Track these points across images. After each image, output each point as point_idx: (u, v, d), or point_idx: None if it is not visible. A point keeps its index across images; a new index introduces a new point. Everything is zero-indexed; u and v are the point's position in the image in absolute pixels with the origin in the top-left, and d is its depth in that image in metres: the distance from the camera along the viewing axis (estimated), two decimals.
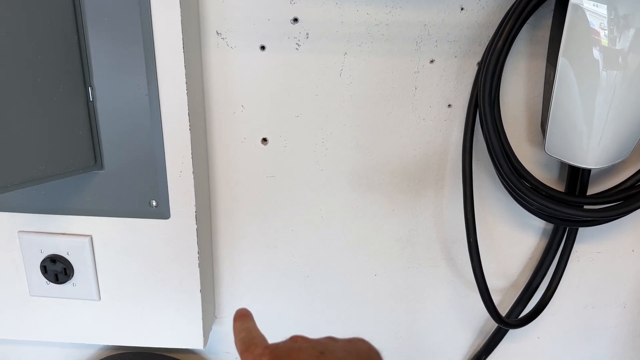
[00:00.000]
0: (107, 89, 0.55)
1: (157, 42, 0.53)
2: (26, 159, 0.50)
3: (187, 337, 0.67)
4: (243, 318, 0.40)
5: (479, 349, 0.72)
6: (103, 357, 0.75)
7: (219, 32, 0.58)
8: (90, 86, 0.55)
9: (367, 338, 0.37)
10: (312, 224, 0.66)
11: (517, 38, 0.55)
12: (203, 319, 0.65)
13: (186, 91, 0.54)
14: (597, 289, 0.69)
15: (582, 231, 0.65)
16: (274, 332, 0.75)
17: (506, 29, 0.53)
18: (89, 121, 0.56)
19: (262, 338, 0.36)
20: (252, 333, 0.37)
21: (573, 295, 0.69)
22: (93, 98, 0.56)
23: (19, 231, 0.62)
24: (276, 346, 0.35)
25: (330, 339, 0.36)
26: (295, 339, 0.35)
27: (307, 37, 0.57)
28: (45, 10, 0.49)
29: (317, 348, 0.34)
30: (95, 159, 0.58)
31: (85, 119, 0.56)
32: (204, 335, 0.67)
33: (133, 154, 0.57)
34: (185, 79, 0.54)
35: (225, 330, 0.74)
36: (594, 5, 0.50)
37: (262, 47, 0.58)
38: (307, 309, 0.72)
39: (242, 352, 0.36)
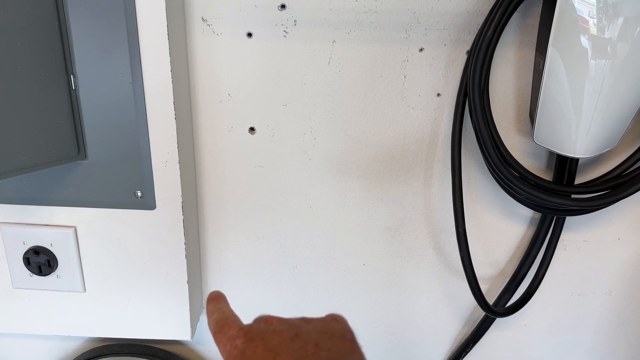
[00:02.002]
0: (90, 77, 0.54)
1: (140, 28, 0.52)
2: (6, 149, 0.49)
3: (174, 328, 0.66)
4: (216, 300, 0.39)
5: (466, 337, 0.72)
6: (89, 349, 0.75)
7: (204, 18, 0.57)
8: (73, 74, 0.54)
9: (357, 325, 0.36)
10: (300, 214, 0.66)
11: (506, 26, 0.54)
12: (190, 310, 0.65)
13: (171, 79, 0.53)
14: (583, 277, 0.70)
15: (569, 220, 0.65)
16: None
17: (496, 17, 0.52)
18: (72, 110, 0.55)
19: (236, 319, 0.36)
20: (226, 314, 0.37)
21: (559, 284, 0.70)
22: (75, 86, 0.54)
23: (1, 222, 0.61)
24: (250, 328, 0.34)
25: (304, 320, 0.35)
26: (269, 321, 0.35)
27: (295, 24, 0.56)
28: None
29: (291, 330, 0.33)
30: (79, 148, 0.56)
31: (67, 108, 0.55)
32: (192, 326, 0.66)
33: (117, 144, 0.56)
34: (170, 67, 0.53)
35: None
36: None
37: (249, 34, 0.57)
38: (296, 299, 0.71)
39: (215, 333, 0.35)
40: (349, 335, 0.34)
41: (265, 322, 0.34)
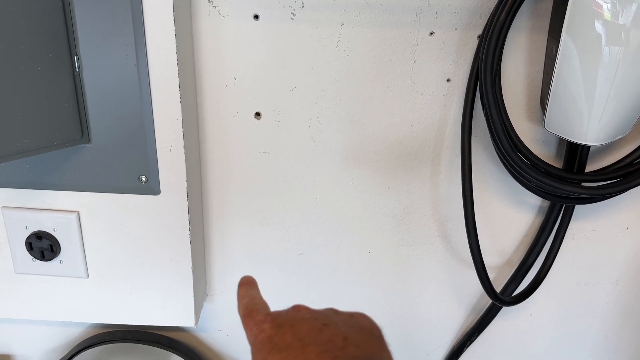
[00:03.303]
0: (94, 59, 0.53)
1: (146, 9, 0.50)
2: (7, 132, 0.48)
3: (178, 315, 0.65)
4: (247, 285, 0.40)
5: (472, 325, 0.72)
6: (91, 335, 0.74)
7: (210, 0, 0.55)
8: (76, 55, 0.53)
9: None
10: (305, 201, 0.65)
11: (518, 11, 0.53)
12: (194, 296, 0.64)
13: (177, 62, 0.52)
14: (590, 266, 0.69)
15: (578, 209, 0.65)
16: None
17: (509, 1, 0.51)
18: (75, 92, 0.54)
19: (265, 305, 0.36)
20: (256, 300, 0.37)
21: (567, 273, 0.69)
22: (79, 68, 0.53)
23: (3, 207, 0.60)
24: (278, 314, 0.34)
25: (333, 311, 0.35)
26: (297, 309, 0.35)
27: (303, 7, 0.55)
28: None
29: (319, 319, 0.33)
30: (82, 132, 0.55)
31: (71, 90, 0.54)
32: (195, 313, 0.66)
33: (121, 127, 0.55)
34: (175, 49, 0.52)
35: (216, 307, 0.73)
36: None
37: (256, 17, 0.56)
38: (301, 287, 0.71)
39: (244, 317, 0.35)
40: (377, 332, 0.34)
41: (294, 310, 0.34)
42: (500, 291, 0.68)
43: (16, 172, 0.58)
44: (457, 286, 0.70)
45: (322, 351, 0.30)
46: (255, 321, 0.34)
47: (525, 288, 0.66)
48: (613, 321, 0.73)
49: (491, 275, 0.69)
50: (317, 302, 0.71)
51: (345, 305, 0.71)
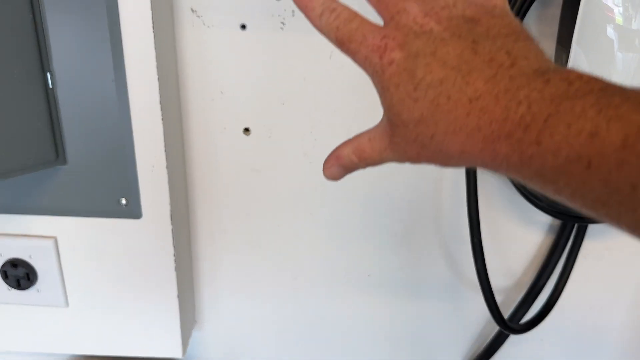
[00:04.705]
0: (69, 74, 0.49)
1: (123, 21, 0.47)
2: None
3: (164, 345, 0.62)
4: None
5: (479, 352, 0.68)
6: None
7: (194, 9, 0.52)
8: (49, 71, 0.49)
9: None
10: (299, 221, 0.61)
11: (525, 17, 0.50)
12: (181, 325, 0.60)
13: (157, 76, 0.49)
14: (605, 288, 0.65)
15: (591, 227, 0.61)
16: (261, 337, 0.70)
17: (515, 8, 0.49)
18: (49, 111, 0.50)
19: (368, 21, 0.29)
20: (349, 15, 0.29)
21: (579, 295, 0.65)
22: (53, 84, 0.50)
23: None
24: (405, 38, 0.27)
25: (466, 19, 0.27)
26: (426, 25, 0.27)
27: (293, 15, 0.52)
28: None
29: (466, 38, 0.26)
30: (57, 153, 0.52)
31: (44, 108, 0.50)
32: (183, 343, 0.62)
33: (99, 147, 0.52)
34: (155, 62, 0.48)
35: (206, 335, 0.69)
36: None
37: (243, 26, 0.52)
38: (297, 311, 0.67)
39: (341, 42, 0.29)
40: (529, 32, 0.28)
41: (421, 29, 0.27)
42: (510, 316, 0.64)
43: None
44: (464, 310, 0.66)
45: (489, 77, 0.24)
46: (369, 47, 0.27)
47: (536, 313, 0.62)
48: (629, 346, 0.69)
49: (500, 298, 0.65)
50: (313, 329, 0.67)
51: (343, 331, 0.68)
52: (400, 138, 0.28)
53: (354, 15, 0.29)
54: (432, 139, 0.26)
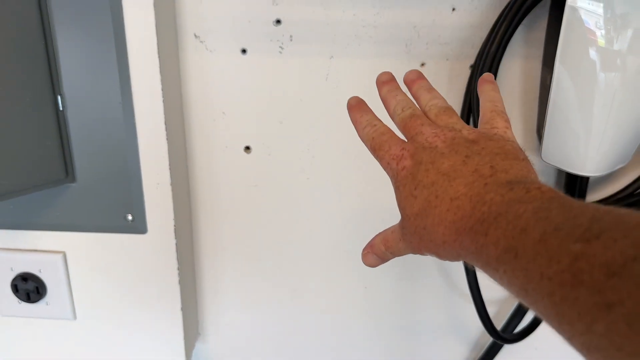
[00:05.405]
0: (78, 97, 0.52)
1: (130, 45, 0.50)
2: None
3: (168, 357, 0.63)
4: (360, 109, 0.39)
5: None
6: None
7: (197, 34, 0.54)
8: (60, 94, 0.52)
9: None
10: (298, 235, 0.63)
11: (511, 39, 0.52)
12: (185, 338, 0.62)
13: (162, 98, 0.51)
14: None
15: None
16: (262, 348, 0.72)
17: (500, 31, 0.50)
18: (59, 132, 0.53)
19: (392, 134, 0.36)
20: (380, 129, 0.37)
21: None
22: (63, 107, 0.52)
23: None
24: (415, 150, 0.33)
25: (471, 142, 0.33)
26: (433, 143, 0.33)
27: (291, 40, 0.54)
28: (7, 14, 0.46)
29: (461, 153, 0.32)
30: (67, 171, 0.54)
31: (55, 130, 0.52)
32: (187, 355, 0.63)
33: (107, 166, 0.54)
34: (160, 85, 0.51)
35: (209, 347, 0.70)
36: (589, 4, 0.48)
37: (243, 51, 0.55)
38: (297, 324, 0.68)
39: (373, 150, 0.36)
40: (522, 154, 0.33)
41: (429, 145, 0.33)
42: (503, 327, 0.66)
43: (0, 212, 0.56)
44: (458, 321, 0.68)
45: (469, 182, 0.30)
46: (391, 155, 0.34)
47: (528, 323, 0.63)
48: None
49: (493, 310, 0.67)
50: (312, 339, 0.69)
51: (341, 341, 0.69)
52: (407, 230, 0.33)
53: (388, 130, 0.36)
54: (424, 229, 0.31)
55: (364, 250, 0.40)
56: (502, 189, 0.28)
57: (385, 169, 0.36)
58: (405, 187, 0.33)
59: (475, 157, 0.31)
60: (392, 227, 0.37)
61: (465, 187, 0.30)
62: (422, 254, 0.34)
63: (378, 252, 0.39)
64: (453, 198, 0.30)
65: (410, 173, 0.33)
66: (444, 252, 0.31)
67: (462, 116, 0.56)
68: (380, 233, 0.39)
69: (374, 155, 0.36)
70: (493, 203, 0.28)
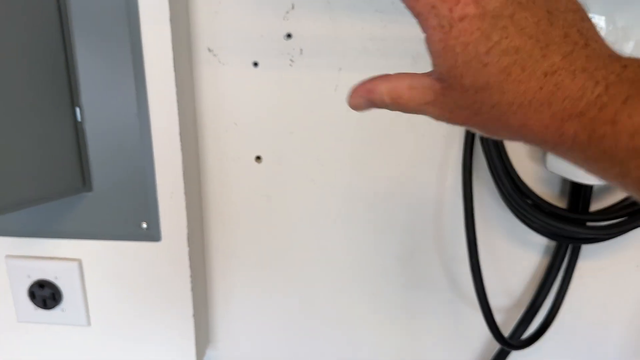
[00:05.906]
0: (96, 109, 0.54)
1: (146, 59, 0.51)
2: (9, 183, 0.48)
3: None
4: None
5: None
6: None
7: (210, 48, 0.56)
8: (78, 106, 0.54)
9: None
10: (308, 244, 0.65)
11: None
12: (196, 345, 0.63)
13: (177, 110, 0.53)
14: (601, 305, 0.67)
15: (585, 247, 0.63)
16: (272, 356, 0.73)
17: None
18: (77, 142, 0.55)
19: None
20: None
21: (577, 313, 0.68)
22: (81, 118, 0.54)
23: (6, 255, 0.60)
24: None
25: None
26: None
27: (301, 53, 0.56)
28: (30, 29, 0.48)
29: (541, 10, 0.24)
30: (84, 181, 0.56)
31: (73, 141, 0.54)
32: None
33: (123, 175, 0.56)
34: (176, 97, 0.53)
35: (219, 355, 0.71)
36: (592, 17, 0.49)
37: (255, 64, 0.57)
38: (306, 331, 0.69)
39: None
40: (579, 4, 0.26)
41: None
42: (510, 334, 0.66)
43: (18, 221, 0.58)
44: (465, 329, 0.69)
45: (567, 53, 0.23)
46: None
47: (535, 330, 0.64)
48: (623, 356, 0.71)
49: (500, 317, 0.67)
50: (320, 347, 0.70)
51: (351, 347, 0.70)
52: (452, 100, 0.26)
53: None
54: (492, 108, 0.25)
55: (356, 91, 0.31)
56: (612, 66, 0.23)
57: (421, 17, 0.26)
58: (467, 49, 0.24)
59: (558, 16, 0.24)
60: (408, 78, 0.29)
61: (564, 60, 0.23)
62: (458, 125, 0.27)
63: (377, 100, 0.30)
64: (548, 73, 0.23)
65: (478, 28, 0.24)
66: (510, 135, 0.25)
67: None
68: (385, 79, 0.30)
69: (406, 5, 0.27)
70: (611, 83, 0.22)
